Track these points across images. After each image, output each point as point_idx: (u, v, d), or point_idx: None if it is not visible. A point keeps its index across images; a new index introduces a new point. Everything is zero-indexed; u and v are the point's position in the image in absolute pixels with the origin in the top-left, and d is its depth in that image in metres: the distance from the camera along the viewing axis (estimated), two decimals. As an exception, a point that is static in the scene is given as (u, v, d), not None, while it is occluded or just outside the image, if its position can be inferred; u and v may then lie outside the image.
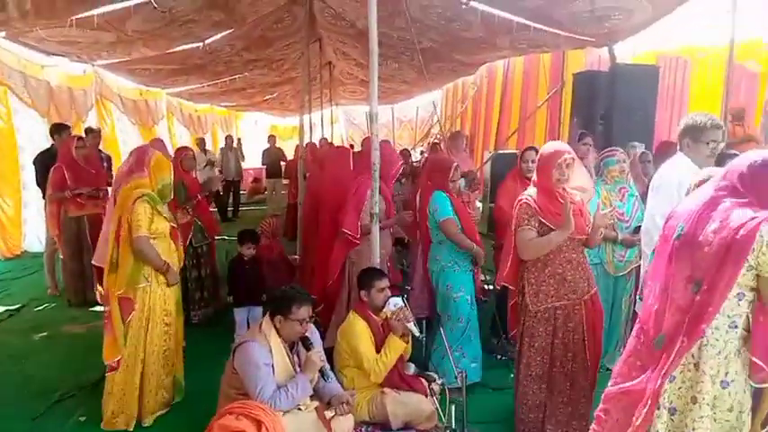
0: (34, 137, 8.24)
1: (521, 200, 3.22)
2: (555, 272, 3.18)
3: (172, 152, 6.16)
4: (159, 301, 3.73)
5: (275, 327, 3.17)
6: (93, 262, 4.57)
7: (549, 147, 3.29)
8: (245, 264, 5.06)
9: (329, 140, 11.40)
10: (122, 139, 11.35)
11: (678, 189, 2.98)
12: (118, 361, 3.62)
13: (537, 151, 4.99)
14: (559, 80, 8.65)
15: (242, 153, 13.45)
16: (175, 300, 3.89)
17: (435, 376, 3.39)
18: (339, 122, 18.59)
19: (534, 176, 3.32)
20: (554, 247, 3.13)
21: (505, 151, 8.95)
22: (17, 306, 6.09)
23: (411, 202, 5.30)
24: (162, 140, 6.63)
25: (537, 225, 3.16)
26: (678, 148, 3.37)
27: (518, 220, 3.17)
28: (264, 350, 3.08)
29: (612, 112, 6.20)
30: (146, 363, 3.68)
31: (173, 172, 3.93)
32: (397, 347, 3.53)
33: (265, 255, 5.49)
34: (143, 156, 3.85)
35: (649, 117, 6.28)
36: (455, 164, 4.36)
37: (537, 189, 3.23)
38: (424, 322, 3.89)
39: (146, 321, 3.67)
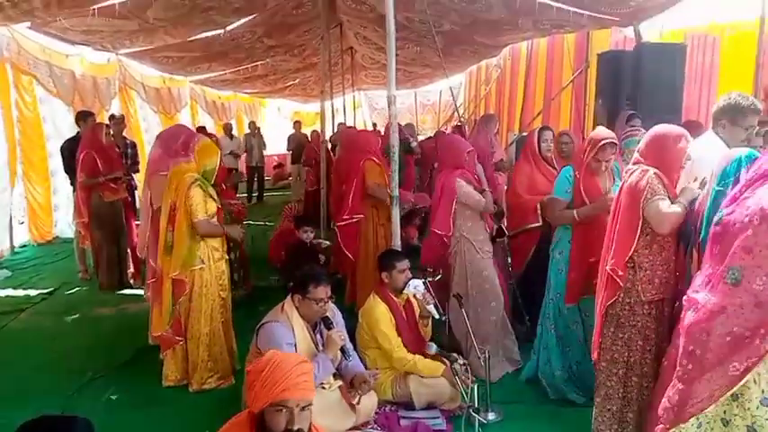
0: (60, 125, 8.39)
1: (647, 172, 2.88)
2: (669, 258, 2.91)
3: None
4: (215, 279, 3.94)
5: (295, 306, 3.21)
6: (138, 254, 4.68)
7: (669, 128, 2.99)
8: (309, 248, 5.03)
9: (349, 125, 11.33)
10: (144, 127, 11.49)
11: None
12: (183, 334, 3.89)
13: (553, 131, 4.86)
14: (584, 61, 8.51)
15: (263, 141, 13.57)
16: (228, 274, 4.10)
17: (457, 356, 3.40)
18: (362, 108, 18.56)
19: (645, 155, 2.97)
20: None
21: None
22: (50, 290, 6.24)
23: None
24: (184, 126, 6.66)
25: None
26: (711, 126, 3.21)
27: (652, 190, 2.83)
28: (287, 330, 3.12)
29: (638, 93, 6.05)
30: (210, 334, 3.93)
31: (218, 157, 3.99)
32: (431, 370, 3.55)
33: (289, 238, 5.53)
34: (189, 140, 3.93)
35: (677, 97, 6.12)
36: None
37: (655, 169, 2.90)
38: (447, 304, 3.88)
39: (205, 298, 3.89)
